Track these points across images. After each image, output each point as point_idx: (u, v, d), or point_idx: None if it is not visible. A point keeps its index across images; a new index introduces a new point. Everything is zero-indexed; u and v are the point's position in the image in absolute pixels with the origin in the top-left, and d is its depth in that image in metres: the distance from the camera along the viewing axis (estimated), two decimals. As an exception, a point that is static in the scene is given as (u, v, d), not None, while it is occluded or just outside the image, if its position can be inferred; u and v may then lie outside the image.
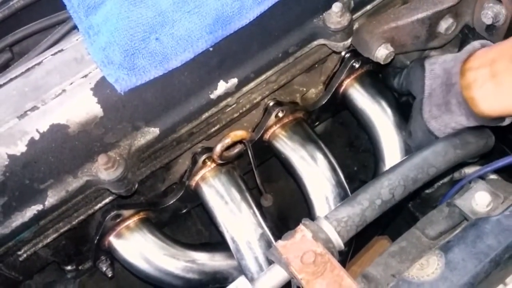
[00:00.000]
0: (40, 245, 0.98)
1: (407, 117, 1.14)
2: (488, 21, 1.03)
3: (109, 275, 1.17)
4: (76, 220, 0.99)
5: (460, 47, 1.15)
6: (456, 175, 1.22)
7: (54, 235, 0.98)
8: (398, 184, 0.87)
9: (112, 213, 1.05)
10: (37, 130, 0.84)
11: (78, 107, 0.85)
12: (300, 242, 0.79)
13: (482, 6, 1.04)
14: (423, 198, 1.33)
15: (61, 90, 0.85)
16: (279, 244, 0.79)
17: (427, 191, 1.29)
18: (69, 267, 1.16)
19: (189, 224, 1.43)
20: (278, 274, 0.79)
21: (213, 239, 1.43)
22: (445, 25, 1.06)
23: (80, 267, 1.18)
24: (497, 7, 1.02)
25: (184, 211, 1.23)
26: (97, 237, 1.07)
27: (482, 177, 0.96)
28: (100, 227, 1.06)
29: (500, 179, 1.00)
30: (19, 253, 0.97)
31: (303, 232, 0.80)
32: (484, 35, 1.07)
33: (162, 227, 1.18)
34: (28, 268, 1.05)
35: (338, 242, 0.82)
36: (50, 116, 0.84)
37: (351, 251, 1.19)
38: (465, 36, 1.12)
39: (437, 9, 1.03)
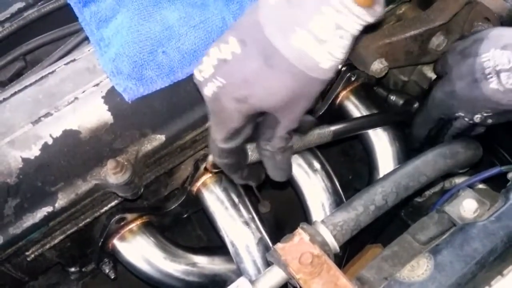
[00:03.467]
0: (47, 246, 1.01)
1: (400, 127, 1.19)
2: (477, 38, 1.09)
3: (112, 277, 1.20)
4: (83, 222, 1.02)
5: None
6: (447, 184, 1.27)
7: (61, 237, 1.02)
8: (391, 191, 0.92)
9: (117, 217, 1.09)
10: (50, 135, 0.88)
11: (89, 114, 0.90)
12: (298, 244, 0.83)
13: (471, 24, 1.09)
14: (415, 206, 1.38)
15: (73, 98, 0.90)
16: (278, 246, 0.84)
17: (419, 200, 1.34)
18: (73, 269, 1.19)
19: (189, 229, 1.47)
20: (277, 275, 0.83)
21: (212, 244, 1.46)
22: (437, 41, 1.11)
23: (83, 269, 1.21)
24: (485, 25, 1.07)
25: (185, 215, 1.27)
26: (102, 240, 1.11)
27: (471, 186, 1.02)
28: (104, 230, 1.10)
29: (488, 188, 1.05)
30: (27, 253, 1.00)
31: (301, 235, 0.84)
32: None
33: (164, 231, 1.22)
34: (34, 269, 1.08)
35: (334, 245, 0.86)
36: (63, 122, 0.89)
37: (345, 256, 1.23)
38: (455, 52, 1.17)
39: (429, 26, 1.08)
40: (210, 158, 1.01)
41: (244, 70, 0.71)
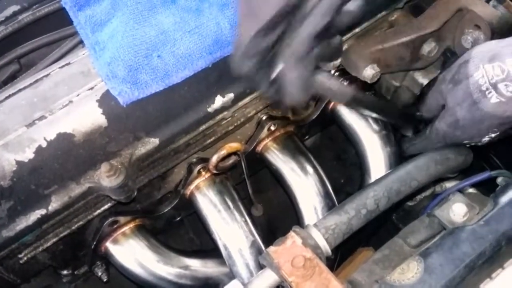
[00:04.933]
0: (40, 248, 1.01)
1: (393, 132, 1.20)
2: (468, 45, 1.10)
3: (104, 280, 1.20)
4: (76, 225, 1.02)
5: (442, 68, 1.22)
6: (437, 189, 1.29)
7: (54, 239, 1.01)
8: (383, 195, 0.93)
9: (110, 220, 1.09)
10: (44, 138, 0.88)
11: (84, 118, 0.90)
12: (291, 247, 0.84)
13: (462, 31, 1.11)
14: (406, 210, 1.39)
15: (68, 101, 0.90)
16: (271, 249, 0.85)
17: (410, 204, 1.36)
18: (65, 272, 1.19)
19: (181, 232, 1.47)
20: (270, 278, 0.84)
21: (204, 247, 1.47)
22: (428, 48, 1.13)
23: (75, 272, 1.21)
24: (476, 33, 1.08)
25: (178, 219, 1.27)
26: (94, 243, 1.11)
27: (461, 191, 1.03)
28: (97, 233, 1.10)
29: (478, 193, 1.06)
30: (20, 256, 1.00)
31: (293, 238, 0.85)
32: (464, 58, 1.14)
33: (157, 234, 1.22)
34: (26, 272, 1.08)
35: (326, 248, 0.87)
36: (57, 125, 0.89)
37: (337, 260, 1.24)
38: (446, 58, 1.18)
39: (420, 33, 1.10)
40: (214, 158, 1.01)
41: None
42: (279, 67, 0.80)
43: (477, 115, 0.91)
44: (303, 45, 0.76)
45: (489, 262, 0.80)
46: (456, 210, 0.88)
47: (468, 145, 1.03)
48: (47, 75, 0.94)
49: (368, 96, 1.15)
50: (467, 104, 0.91)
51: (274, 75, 0.81)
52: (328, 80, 0.89)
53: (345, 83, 1.03)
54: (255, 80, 0.82)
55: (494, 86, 0.87)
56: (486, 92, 0.88)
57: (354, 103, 1.08)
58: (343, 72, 1.19)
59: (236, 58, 0.79)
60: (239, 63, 0.78)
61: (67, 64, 0.95)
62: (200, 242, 1.49)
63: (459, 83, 0.92)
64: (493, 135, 0.96)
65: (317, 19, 0.74)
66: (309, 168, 1.20)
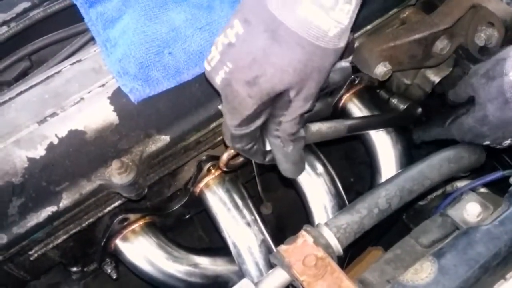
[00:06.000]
0: (50, 245, 1.01)
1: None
2: (481, 43, 1.09)
3: (114, 277, 1.21)
4: (86, 222, 1.02)
5: (454, 66, 1.21)
6: (449, 188, 1.28)
7: (64, 236, 1.01)
8: (395, 194, 0.92)
9: (120, 217, 1.09)
10: (56, 135, 0.88)
11: (95, 114, 0.90)
12: (302, 246, 0.84)
13: (475, 28, 1.10)
14: (416, 210, 1.39)
15: (79, 98, 0.90)
16: (282, 248, 0.84)
17: (420, 203, 1.35)
18: (74, 269, 1.19)
19: (191, 230, 1.47)
20: (280, 277, 0.83)
21: (213, 245, 1.47)
22: (441, 45, 1.12)
23: (85, 269, 1.21)
24: (489, 30, 1.08)
25: (187, 216, 1.27)
26: (104, 240, 1.11)
27: (473, 190, 1.02)
28: (107, 230, 1.10)
29: (490, 193, 1.06)
30: (30, 253, 1.00)
31: (304, 237, 0.85)
32: (477, 56, 1.13)
33: (166, 231, 1.22)
34: (36, 268, 1.08)
35: (337, 247, 0.86)
36: (69, 122, 0.89)
37: (347, 259, 1.24)
38: (459, 56, 1.18)
39: (433, 30, 1.09)
40: (225, 156, 1.01)
41: (250, 49, 0.69)
42: (269, 145, 0.84)
43: (507, 115, 0.91)
44: (291, 127, 0.78)
45: (504, 263, 0.80)
46: (470, 210, 0.87)
47: (486, 146, 1.01)
48: (58, 72, 0.93)
49: (362, 119, 1.17)
50: (499, 102, 0.91)
51: (267, 148, 0.85)
52: (322, 125, 0.95)
53: (340, 121, 1.05)
54: (249, 154, 0.85)
55: None
56: None
57: (353, 131, 1.10)
58: (354, 70, 1.19)
59: (227, 140, 0.83)
60: (230, 143, 0.82)
61: (78, 61, 0.95)
62: (209, 240, 1.50)
63: (493, 79, 0.92)
64: None
65: (299, 104, 0.75)
66: (319, 167, 1.19)
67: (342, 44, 0.71)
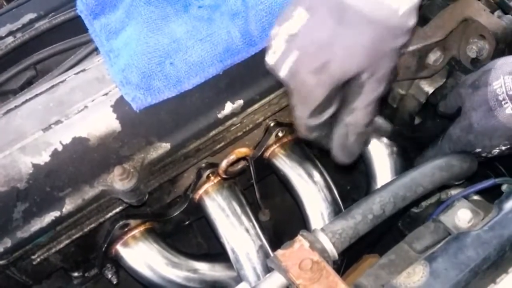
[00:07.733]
0: (53, 250, 1.03)
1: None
2: (472, 54, 1.12)
3: (114, 282, 1.22)
4: (88, 228, 1.04)
5: (448, 77, 1.24)
6: (443, 196, 1.30)
7: (67, 241, 1.04)
8: (389, 201, 0.94)
9: (121, 223, 1.10)
10: (60, 142, 0.91)
11: (98, 122, 0.92)
12: (298, 251, 0.85)
13: (467, 41, 1.12)
14: (411, 217, 1.40)
15: (83, 106, 0.93)
16: (279, 252, 0.86)
17: (415, 210, 1.37)
18: (76, 274, 1.21)
19: (190, 236, 1.49)
20: (277, 280, 0.85)
21: (212, 252, 1.48)
22: (434, 57, 1.14)
23: (86, 274, 1.22)
24: (481, 42, 1.10)
25: (187, 223, 1.29)
26: (105, 245, 1.13)
27: (466, 198, 1.04)
28: (108, 236, 1.12)
29: (482, 200, 1.08)
30: (33, 257, 1.02)
31: (301, 242, 0.87)
32: (469, 67, 1.16)
33: (166, 237, 1.24)
34: (38, 273, 1.10)
35: (333, 252, 0.89)
36: (73, 129, 0.91)
37: (343, 266, 1.26)
38: (452, 67, 1.20)
39: (426, 42, 1.11)
40: (224, 163, 1.03)
41: (318, 35, 0.67)
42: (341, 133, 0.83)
43: (491, 123, 0.93)
44: (364, 116, 0.78)
45: (494, 267, 0.82)
46: (461, 216, 0.90)
47: (477, 156, 1.04)
48: (63, 81, 0.96)
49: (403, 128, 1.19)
50: (483, 110, 0.94)
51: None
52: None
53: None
54: (325, 142, 0.85)
55: (511, 98, 0.90)
56: (503, 102, 0.91)
57: (395, 136, 1.13)
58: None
59: (303, 131, 0.82)
60: (307, 134, 0.82)
61: (82, 71, 0.98)
62: (208, 246, 1.51)
63: (478, 89, 0.95)
64: (503, 148, 0.98)
65: (373, 86, 0.74)
66: (316, 175, 1.22)
67: (412, 22, 0.69)
